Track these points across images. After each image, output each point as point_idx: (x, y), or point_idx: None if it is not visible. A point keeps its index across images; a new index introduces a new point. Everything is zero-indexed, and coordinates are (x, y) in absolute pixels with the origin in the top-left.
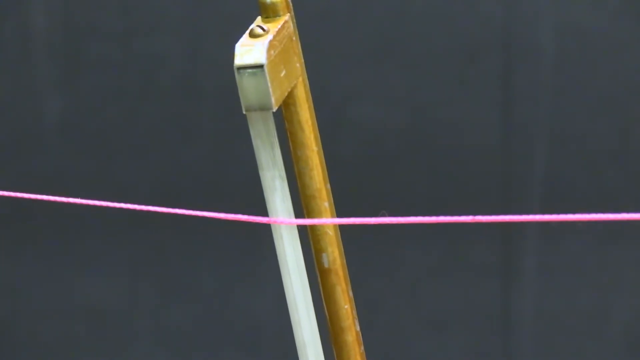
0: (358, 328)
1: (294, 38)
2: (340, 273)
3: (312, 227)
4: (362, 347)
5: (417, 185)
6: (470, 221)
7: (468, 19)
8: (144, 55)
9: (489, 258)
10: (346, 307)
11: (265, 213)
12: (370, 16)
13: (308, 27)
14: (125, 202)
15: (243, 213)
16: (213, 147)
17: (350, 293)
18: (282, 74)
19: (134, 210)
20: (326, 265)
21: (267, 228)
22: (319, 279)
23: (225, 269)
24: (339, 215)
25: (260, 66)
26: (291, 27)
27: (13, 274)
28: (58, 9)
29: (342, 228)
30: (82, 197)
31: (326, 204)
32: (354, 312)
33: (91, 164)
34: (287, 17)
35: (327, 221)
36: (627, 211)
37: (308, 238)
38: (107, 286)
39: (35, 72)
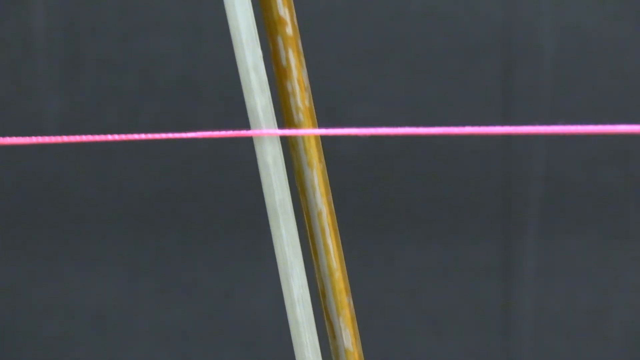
0: None
1: None
2: None
3: None
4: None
5: (416, 185)
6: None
7: (468, 19)
8: (144, 55)
9: (489, 258)
10: None
11: (266, 213)
12: (370, 16)
13: (308, 27)
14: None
15: (243, 213)
16: (213, 147)
17: None
18: None
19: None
20: None
21: (267, 227)
22: None
23: (225, 269)
24: (339, 215)
25: None
26: None
27: (13, 274)
28: (58, 9)
29: (342, 231)
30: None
31: None
32: None
33: (91, 164)
34: None
35: None
36: (628, 211)
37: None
38: (107, 286)
39: (35, 72)
